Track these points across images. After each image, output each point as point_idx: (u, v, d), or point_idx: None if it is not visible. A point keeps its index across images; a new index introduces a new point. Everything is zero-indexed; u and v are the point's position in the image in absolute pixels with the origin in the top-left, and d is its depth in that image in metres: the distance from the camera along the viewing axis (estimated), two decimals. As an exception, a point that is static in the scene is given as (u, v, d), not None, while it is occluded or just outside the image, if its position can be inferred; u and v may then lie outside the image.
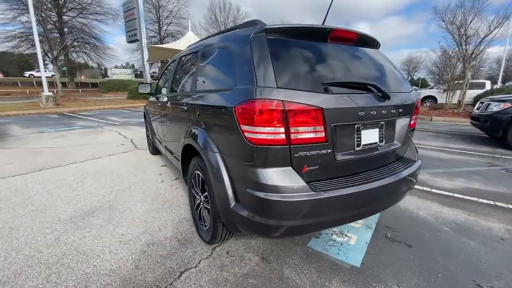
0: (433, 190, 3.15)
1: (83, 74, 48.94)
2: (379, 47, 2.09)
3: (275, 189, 1.37)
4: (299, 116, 1.36)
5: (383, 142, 1.79)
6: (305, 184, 1.40)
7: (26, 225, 2.30)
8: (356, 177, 1.64)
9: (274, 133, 1.33)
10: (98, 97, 20.29)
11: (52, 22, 22.38)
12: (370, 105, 1.59)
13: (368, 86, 1.60)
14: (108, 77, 51.04)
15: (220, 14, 37.28)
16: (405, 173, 1.81)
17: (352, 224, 2.39)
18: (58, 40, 22.13)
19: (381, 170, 1.79)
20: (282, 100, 1.32)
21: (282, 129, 1.33)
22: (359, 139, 1.64)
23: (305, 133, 1.39)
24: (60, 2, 23.13)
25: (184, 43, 14.26)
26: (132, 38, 20.23)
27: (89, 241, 2.08)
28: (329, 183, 1.52)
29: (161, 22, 31.28)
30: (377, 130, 1.74)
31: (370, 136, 1.71)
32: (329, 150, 1.48)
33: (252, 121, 1.33)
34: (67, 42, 23.29)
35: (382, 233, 2.24)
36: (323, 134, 1.43)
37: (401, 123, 1.90)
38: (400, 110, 1.81)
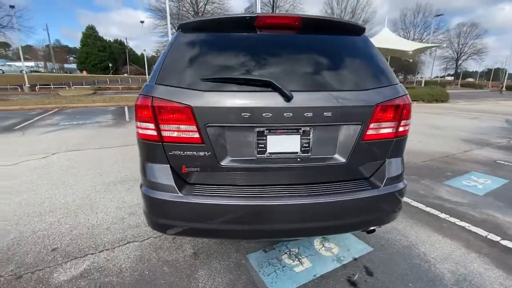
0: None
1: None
2: (355, 32, 1.59)
3: (149, 184, 1.40)
4: (167, 113, 1.30)
5: (309, 153, 1.40)
6: (173, 184, 1.35)
7: (83, 182, 3.27)
8: (257, 189, 1.39)
9: (146, 128, 1.35)
10: None
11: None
12: (271, 105, 1.29)
13: (280, 84, 1.30)
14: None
15: (338, 6, 35.45)
16: (347, 197, 1.36)
17: (321, 249, 1.97)
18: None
19: (305, 186, 1.42)
20: (152, 97, 1.32)
21: (152, 125, 1.33)
22: (262, 146, 1.37)
23: (176, 131, 1.32)
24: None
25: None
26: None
27: (102, 201, 2.74)
28: (213, 189, 1.38)
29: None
30: (297, 137, 1.39)
31: (283, 143, 1.39)
32: (208, 153, 1.33)
33: (136, 116, 1.41)
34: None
35: (348, 273, 1.74)
36: (197, 135, 1.31)
37: (346, 132, 1.41)
38: (340, 114, 1.35)
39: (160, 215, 1.39)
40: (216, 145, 1.33)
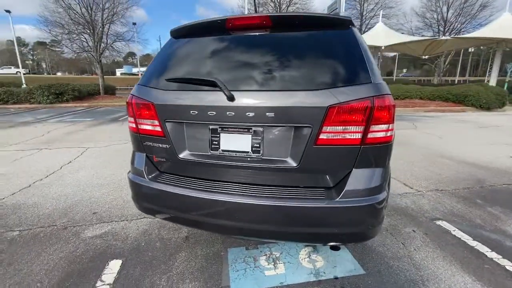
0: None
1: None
2: (332, 26, 1.43)
3: (132, 169, 1.66)
4: (139, 109, 1.52)
5: (260, 153, 1.36)
6: (143, 169, 1.56)
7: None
8: (209, 184, 1.45)
9: (130, 121, 1.61)
10: None
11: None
12: (214, 104, 1.33)
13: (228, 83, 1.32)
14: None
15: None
16: (296, 204, 1.27)
17: (304, 259, 1.85)
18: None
19: (257, 187, 1.39)
20: (132, 95, 1.56)
21: (132, 119, 1.58)
22: (216, 143, 1.42)
23: (145, 124, 1.52)
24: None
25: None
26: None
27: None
28: (173, 179, 1.52)
29: (363, 17, 30.43)
30: (248, 136, 1.37)
31: (235, 142, 1.39)
32: (168, 146, 1.48)
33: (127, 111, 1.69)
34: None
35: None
36: (159, 129, 1.47)
37: (296, 134, 1.29)
38: (286, 115, 1.26)
39: (135, 197, 1.64)
40: (175, 139, 1.48)
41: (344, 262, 1.82)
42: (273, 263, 1.82)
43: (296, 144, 1.31)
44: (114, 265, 1.80)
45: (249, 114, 1.31)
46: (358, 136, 1.26)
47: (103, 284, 1.63)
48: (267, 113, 1.27)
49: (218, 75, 1.37)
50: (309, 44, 1.41)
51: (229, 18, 1.47)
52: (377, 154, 1.32)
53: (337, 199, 1.27)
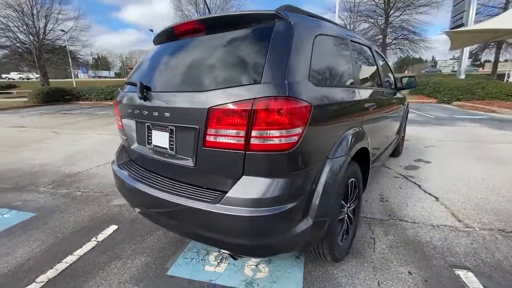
0: None
1: (406, 69, 50.67)
2: (256, 23, 1.31)
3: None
4: (114, 107, 1.87)
5: (174, 151, 1.43)
6: (115, 156, 1.91)
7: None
8: (144, 174, 1.64)
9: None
10: None
11: (377, 25, 25.97)
12: (134, 104, 1.50)
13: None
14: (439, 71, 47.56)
15: None
16: (187, 203, 1.31)
17: (250, 265, 1.78)
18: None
19: (169, 183, 1.48)
20: (116, 95, 1.93)
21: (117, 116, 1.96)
22: (150, 138, 1.59)
23: (117, 120, 1.85)
24: (390, 5, 25.71)
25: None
26: (457, 23, 18.04)
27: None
28: (128, 166, 1.80)
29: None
30: (166, 134, 1.46)
31: (160, 138, 1.52)
32: (125, 138, 1.75)
33: None
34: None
35: (239, 297, 1.53)
36: (120, 123, 1.77)
37: (195, 135, 1.27)
38: (177, 116, 1.29)
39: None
40: (128, 133, 1.75)
41: (287, 282, 1.65)
42: (218, 261, 1.85)
43: (194, 145, 1.33)
44: (111, 229, 2.29)
45: (165, 114, 1.42)
46: (241, 140, 1.15)
47: (94, 241, 2.13)
48: (162, 113, 1.36)
49: (150, 78, 1.55)
50: (221, 44, 1.37)
51: (174, 25, 1.61)
52: (266, 162, 1.16)
53: (217, 204, 1.21)
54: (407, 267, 1.75)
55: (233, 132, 1.17)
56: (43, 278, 1.73)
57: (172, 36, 1.68)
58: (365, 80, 2.22)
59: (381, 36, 26.43)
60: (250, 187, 1.19)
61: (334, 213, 1.50)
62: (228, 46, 1.37)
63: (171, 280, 1.69)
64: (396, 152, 4.01)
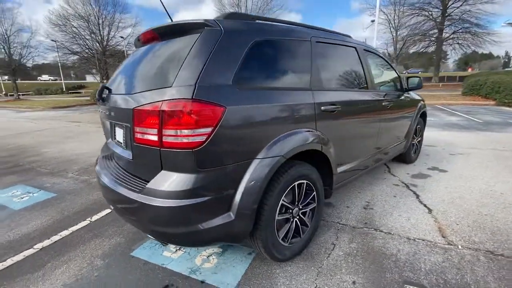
0: None
1: (470, 67, 44.59)
2: (188, 32, 1.44)
3: None
4: None
5: (125, 145, 1.62)
6: (100, 150, 2.21)
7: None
8: (111, 167, 1.88)
9: None
10: (436, 92, 18.68)
11: (432, 18, 23.40)
12: (101, 104, 1.72)
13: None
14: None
15: None
16: (125, 192, 1.49)
17: (203, 255, 1.91)
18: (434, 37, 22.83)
19: (125, 175, 1.68)
20: None
21: None
22: (114, 134, 1.82)
23: (101, 117, 2.15)
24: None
25: None
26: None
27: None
28: (104, 161, 2.05)
29: None
30: (121, 130, 1.67)
31: (119, 134, 1.73)
32: (104, 133, 2.02)
33: None
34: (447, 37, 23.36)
35: (180, 282, 1.67)
36: (100, 120, 2.05)
37: (128, 131, 1.44)
38: (119, 115, 1.46)
39: None
40: (105, 130, 2.02)
41: (227, 274, 1.73)
42: (177, 249, 2.02)
43: (130, 141, 1.50)
44: (104, 212, 2.64)
45: (113, 113, 1.64)
46: (156, 138, 1.29)
47: (88, 220, 2.49)
48: (112, 113, 1.56)
49: (113, 81, 1.78)
50: (159, 51, 1.52)
51: (140, 34, 1.82)
52: (177, 159, 1.27)
53: (139, 194, 1.37)
54: (354, 276, 1.68)
55: (150, 130, 1.31)
56: (39, 245, 2.11)
57: (139, 43, 1.89)
58: (333, 82, 2.15)
59: (436, 31, 23.81)
60: (165, 180, 1.32)
61: (266, 211, 1.54)
62: (163, 53, 1.52)
63: (131, 260, 1.91)
64: (407, 158, 3.70)
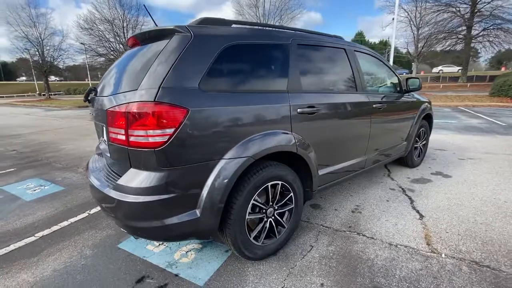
0: None
1: (504, 66, 41.53)
2: (163, 37, 1.52)
3: None
4: None
5: (107, 145, 1.73)
6: (95, 148, 2.36)
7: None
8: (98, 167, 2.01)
9: None
10: (462, 92, 17.57)
11: (460, 15, 22.11)
12: (92, 105, 1.84)
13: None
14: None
15: None
16: (103, 188, 1.60)
17: (184, 250, 2.00)
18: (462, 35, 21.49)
19: (107, 172, 1.78)
20: None
21: None
22: (102, 133, 1.94)
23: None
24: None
25: None
26: None
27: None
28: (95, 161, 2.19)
29: None
30: (104, 131, 1.78)
31: (105, 133, 1.85)
32: (96, 134, 2.17)
33: None
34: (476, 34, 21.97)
35: (154, 275, 1.76)
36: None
37: (106, 130, 1.54)
38: (98, 115, 1.57)
39: None
40: (96, 130, 2.16)
41: (201, 270, 1.80)
42: (160, 244, 2.12)
43: (108, 139, 1.61)
44: (103, 206, 2.81)
45: (98, 114, 1.76)
46: (124, 138, 1.38)
47: (87, 213, 2.67)
48: (95, 114, 1.68)
49: (101, 84, 1.91)
50: (136, 56, 1.61)
51: (128, 39, 1.94)
52: (141, 157, 1.36)
53: (110, 189, 1.47)
54: (323, 279, 1.68)
55: (119, 130, 1.40)
56: (40, 234, 2.30)
57: (127, 47, 2.01)
58: (315, 84, 2.14)
59: (464, 28, 22.45)
60: (132, 177, 1.41)
61: (235, 210, 1.58)
62: (138, 57, 1.61)
63: (117, 251, 2.03)
64: (409, 162, 3.58)
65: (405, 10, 20.30)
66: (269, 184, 1.76)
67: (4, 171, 4.08)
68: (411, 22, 20.86)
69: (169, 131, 1.32)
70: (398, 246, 1.99)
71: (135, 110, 1.31)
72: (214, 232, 1.58)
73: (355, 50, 2.53)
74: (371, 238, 2.10)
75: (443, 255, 1.87)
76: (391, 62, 14.16)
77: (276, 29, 2.00)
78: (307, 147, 1.94)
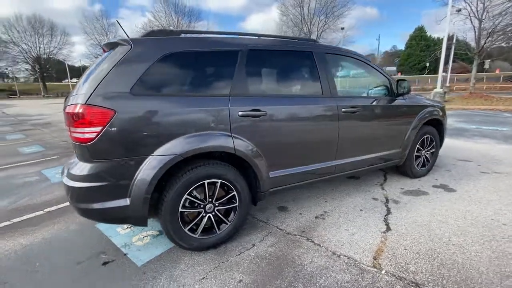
0: None
1: None
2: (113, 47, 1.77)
3: None
4: None
5: None
6: None
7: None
8: None
9: None
10: None
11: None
12: None
13: None
14: None
15: None
16: (63, 178, 1.92)
17: (140, 236, 2.27)
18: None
19: None
20: None
21: None
22: None
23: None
24: None
25: None
26: None
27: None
28: None
29: None
30: None
31: None
32: None
33: None
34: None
35: (114, 254, 2.06)
36: None
37: None
38: None
39: None
40: None
41: (146, 253, 2.02)
42: (128, 227, 2.42)
43: None
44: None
45: None
46: (68, 133, 1.67)
47: (89, 196, 3.15)
48: None
49: None
50: (94, 63, 1.89)
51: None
52: (80, 150, 1.62)
53: (64, 177, 1.78)
54: (245, 276, 1.75)
55: (68, 127, 1.71)
56: (47, 209, 2.84)
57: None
58: (266, 88, 2.18)
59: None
60: (75, 166, 1.70)
61: (166, 203, 1.76)
62: (93, 65, 1.89)
63: (93, 229, 2.40)
64: (408, 172, 3.27)
65: (466, 2, 17.56)
66: (206, 181, 1.89)
67: (49, 158, 5.00)
68: (472, 14, 17.92)
69: (97, 129, 1.57)
70: (341, 256, 1.92)
71: (72, 111, 1.60)
72: (144, 220, 1.79)
73: (326, 53, 2.47)
74: (318, 245, 2.06)
75: (383, 272, 1.75)
76: (442, 59, 12.55)
77: (227, 37, 2.11)
78: (251, 149, 2.00)
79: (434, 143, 3.40)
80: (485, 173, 3.52)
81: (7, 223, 2.57)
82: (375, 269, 1.77)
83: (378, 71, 2.87)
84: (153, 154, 1.71)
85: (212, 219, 2.00)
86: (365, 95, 2.93)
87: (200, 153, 1.82)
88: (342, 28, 26.45)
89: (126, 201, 1.70)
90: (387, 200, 2.79)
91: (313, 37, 28.31)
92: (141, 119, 1.67)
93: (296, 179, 2.36)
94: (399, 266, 1.79)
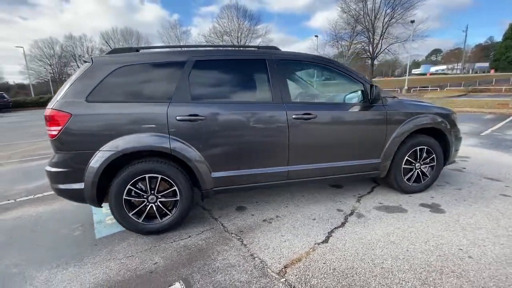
0: None
1: None
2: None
3: None
4: None
5: None
6: None
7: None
8: None
9: None
10: None
11: None
12: None
13: None
14: None
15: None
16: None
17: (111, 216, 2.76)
18: None
19: None
20: None
21: None
22: None
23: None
24: None
25: None
26: None
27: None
28: None
29: None
30: None
31: None
32: None
33: None
34: None
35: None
36: None
37: None
38: None
39: None
40: None
41: (108, 230, 2.47)
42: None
43: None
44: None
45: None
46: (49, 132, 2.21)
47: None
48: None
49: None
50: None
51: None
52: (52, 144, 2.13)
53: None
54: (162, 260, 1.99)
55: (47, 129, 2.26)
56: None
57: None
58: (209, 95, 2.35)
59: None
60: (52, 157, 2.25)
61: (113, 189, 2.16)
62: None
63: (89, 206, 3.01)
64: (394, 185, 2.95)
65: None
66: (147, 176, 2.22)
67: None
68: None
69: (58, 128, 2.06)
70: (256, 258, 1.98)
71: (45, 113, 2.13)
72: (95, 200, 2.22)
73: (282, 60, 2.49)
74: (244, 245, 2.16)
75: (282, 280, 1.76)
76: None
77: (176, 50, 2.39)
78: (188, 150, 2.24)
79: (434, 156, 2.95)
80: (506, 196, 2.87)
81: (39, 195, 3.45)
82: (276, 276, 1.79)
83: (350, 76, 2.69)
84: (100, 149, 2.12)
85: (154, 208, 2.32)
86: (337, 101, 2.79)
87: (139, 150, 2.16)
88: (412, 21, 23.45)
89: (82, 185, 2.16)
90: (352, 213, 2.61)
91: (378, 32, 26.05)
92: (92, 121, 2.10)
93: (243, 181, 2.47)
94: (302, 278, 1.76)
